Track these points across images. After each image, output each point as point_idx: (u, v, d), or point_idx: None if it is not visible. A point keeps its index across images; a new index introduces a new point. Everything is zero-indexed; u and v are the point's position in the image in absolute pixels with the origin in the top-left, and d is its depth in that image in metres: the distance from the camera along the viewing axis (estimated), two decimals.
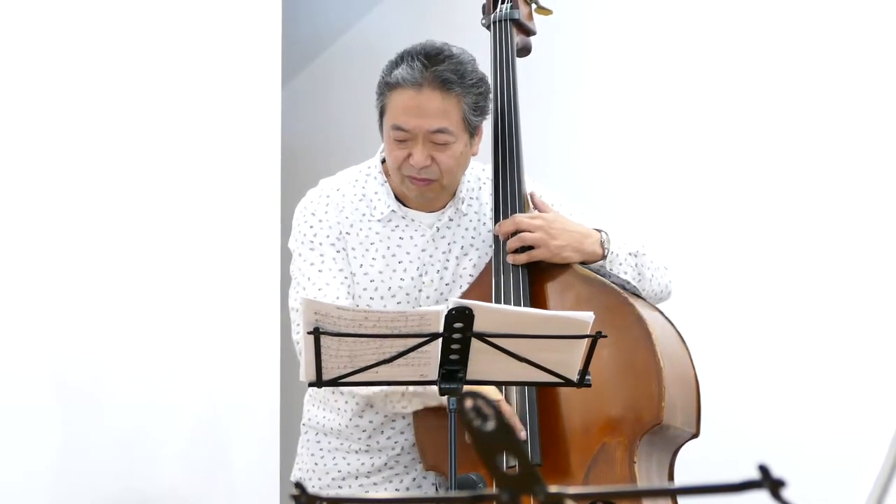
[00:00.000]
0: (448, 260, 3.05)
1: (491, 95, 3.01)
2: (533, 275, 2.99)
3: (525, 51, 3.23)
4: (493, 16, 3.19)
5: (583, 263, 2.99)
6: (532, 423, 2.87)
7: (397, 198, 3.06)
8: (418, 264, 3.03)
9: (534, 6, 3.28)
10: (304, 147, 5.69)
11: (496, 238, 3.03)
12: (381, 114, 2.97)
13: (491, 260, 3.03)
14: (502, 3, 3.19)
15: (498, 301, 2.95)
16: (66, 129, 3.78)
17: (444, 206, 3.07)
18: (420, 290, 3.03)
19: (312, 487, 3.04)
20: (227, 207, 4.05)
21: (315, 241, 3.03)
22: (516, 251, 2.99)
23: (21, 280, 3.67)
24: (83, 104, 3.81)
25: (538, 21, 3.28)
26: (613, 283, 2.93)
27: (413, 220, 3.05)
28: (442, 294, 3.03)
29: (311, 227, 3.04)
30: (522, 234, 2.98)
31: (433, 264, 3.04)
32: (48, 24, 3.78)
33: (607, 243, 3.01)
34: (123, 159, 3.87)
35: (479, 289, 3.01)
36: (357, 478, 3.09)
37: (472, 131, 2.97)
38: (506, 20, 3.17)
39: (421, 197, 3.02)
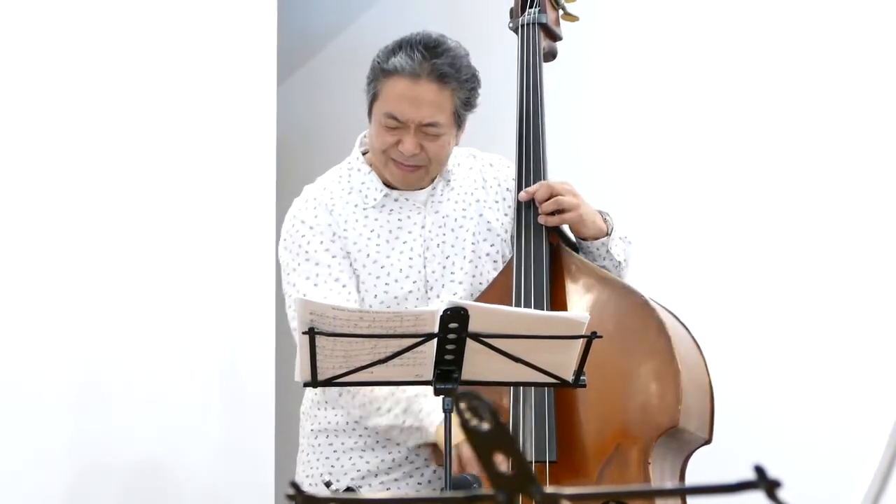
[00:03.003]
0: (444, 234, 3.05)
1: (480, 90, 3.01)
2: (553, 275, 3.00)
3: (551, 55, 3.23)
4: (520, 19, 3.18)
5: (584, 239, 3.02)
6: (549, 420, 2.87)
7: (384, 182, 3.06)
8: (420, 241, 3.04)
9: (561, 12, 3.27)
10: (299, 146, 5.68)
11: (515, 236, 3.03)
12: (373, 99, 2.98)
13: (512, 259, 3.03)
14: (530, 7, 3.18)
15: (518, 301, 2.96)
16: (61, 129, 3.74)
17: (433, 182, 3.09)
18: (425, 266, 3.02)
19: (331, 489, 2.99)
20: (221, 207, 4.03)
21: (310, 251, 3.00)
22: (550, 214, 3.00)
23: (17, 280, 3.67)
24: (79, 103, 3.78)
25: (564, 27, 3.27)
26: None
27: (407, 200, 3.06)
28: (445, 268, 3.03)
29: (302, 235, 3.01)
30: (558, 197, 2.99)
31: (432, 238, 3.05)
32: (47, 23, 3.76)
33: (612, 223, 3.05)
34: (119, 157, 3.84)
35: (498, 289, 3.01)
36: (377, 475, 3.02)
37: (460, 125, 3.00)
38: (534, 24, 3.16)
39: (404, 181, 3.03)
